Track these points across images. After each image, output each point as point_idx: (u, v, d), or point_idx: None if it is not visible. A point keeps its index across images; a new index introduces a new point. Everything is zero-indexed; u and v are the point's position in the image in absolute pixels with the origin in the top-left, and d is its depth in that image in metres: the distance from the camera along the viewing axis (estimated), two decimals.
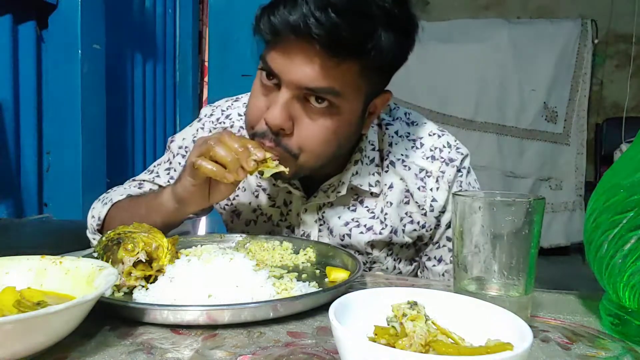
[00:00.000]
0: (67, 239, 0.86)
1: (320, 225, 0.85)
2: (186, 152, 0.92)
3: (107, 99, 1.65)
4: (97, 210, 0.86)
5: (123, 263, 0.57)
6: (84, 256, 0.58)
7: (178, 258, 0.60)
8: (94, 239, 0.87)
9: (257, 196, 0.88)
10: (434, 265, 0.86)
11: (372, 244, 0.83)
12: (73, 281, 0.51)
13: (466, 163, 0.85)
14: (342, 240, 0.83)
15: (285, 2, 0.64)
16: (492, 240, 0.52)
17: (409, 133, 0.85)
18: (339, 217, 0.83)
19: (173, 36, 2.32)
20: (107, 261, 0.57)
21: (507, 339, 0.37)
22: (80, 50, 1.49)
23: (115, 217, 0.84)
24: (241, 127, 0.91)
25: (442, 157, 0.82)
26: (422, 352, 0.35)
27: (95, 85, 1.57)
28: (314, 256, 0.75)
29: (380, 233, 0.82)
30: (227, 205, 0.90)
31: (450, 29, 3.53)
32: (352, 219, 0.83)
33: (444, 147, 0.84)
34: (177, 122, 2.38)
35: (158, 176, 0.93)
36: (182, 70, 2.37)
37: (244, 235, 0.80)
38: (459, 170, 0.83)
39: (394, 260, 0.86)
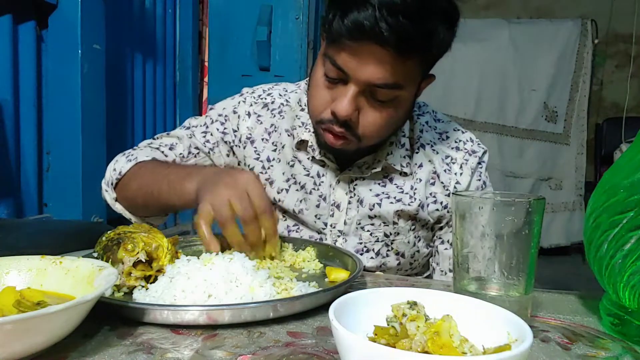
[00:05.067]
0: (67, 239, 0.86)
1: (351, 197, 0.89)
2: (225, 120, 0.95)
3: (107, 99, 1.64)
4: (120, 165, 0.89)
5: (123, 263, 0.57)
6: (84, 256, 0.58)
7: (178, 258, 0.60)
8: (106, 190, 0.91)
9: (292, 166, 0.91)
10: (445, 249, 0.91)
11: (400, 214, 0.87)
12: (73, 281, 0.51)
13: (485, 158, 0.93)
14: (372, 209, 0.88)
15: (357, 6, 0.68)
16: (492, 240, 0.52)
17: (436, 127, 0.94)
18: (370, 190, 0.88)
19: (173, 36, 2.31)
20: (107, 261, 0.57)
21: (507, 339, 0.37)
22: (80, 50, 1.49)
23: (136, 176, 0.87)
24: (282, 103, 0.95)
25: (465, 149, 0.91)
26: (422, 353, 0.35)
27: (95, 85, 1.57)
28: (314, 256, 0.75)
29: (409, 204, 0.87)
30: (261, 173, 0.93)
31: None
32: (383, 192, 0.88)
33: (467, 140, 0.92)
34: (177, 122, 2.37)
35: (194, 135, 0.95)
36: (182, 70, 2.37)
37: None
38: (479, 163, 0.91)
39: (415, 237, 0.90)
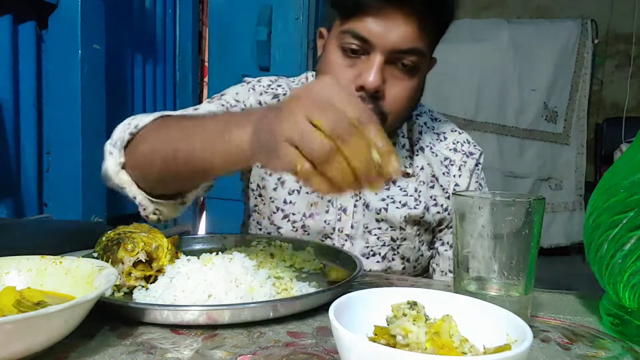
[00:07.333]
0: (67, 239, 0.86)
1: (356, 200, 0.88)
2: (244, 105, 0.89)
3: (107, 99, 1.64)
4: (137, 120, 0.71)
5: (123, 263, 0.57)
6: (84, 256, 0.58)
7: (178, 258, 0.60)
8: (110, 152, 0.71)
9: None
10: (445, 250, 0.92)
11: (407, 219, 0.88)
12: (73, 281, 0.51)
13: (482, 160, 0.94)
14: (378, 213, 0.87)
15: None
16: (492, 240, 0.52)
17: (434, 127, 0.95)
18: (376, 193, 0.87)
19: (173, 36, 2.31)
20: (107, 261, 0.57)
21: (507, 340, 0.37)
22: (80, 50, 1.49)
23: (157, 131, 0.69)
24: None
25: (463, 150, 0.92)
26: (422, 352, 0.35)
27: (95, 85, 1.57)
28: (314, 256, 0.75)
29: (415, 208, 0.87)
30: (273, 172, 0.89)
31: (450, 29, 3.52)
32: (388, 196, 0.88)
33: (465, 142, 0.94)
34: None
35: (222, 101, 0.89)
36: (182, 70, 2.37)
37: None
38: (477, 164, 0.92)
39: (420, 242, 0.91)
